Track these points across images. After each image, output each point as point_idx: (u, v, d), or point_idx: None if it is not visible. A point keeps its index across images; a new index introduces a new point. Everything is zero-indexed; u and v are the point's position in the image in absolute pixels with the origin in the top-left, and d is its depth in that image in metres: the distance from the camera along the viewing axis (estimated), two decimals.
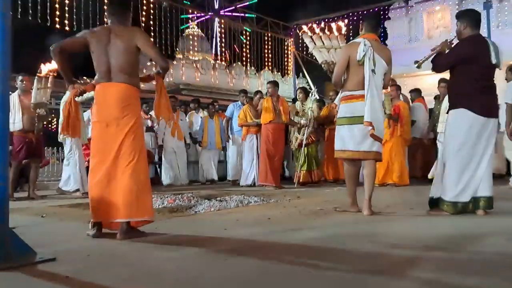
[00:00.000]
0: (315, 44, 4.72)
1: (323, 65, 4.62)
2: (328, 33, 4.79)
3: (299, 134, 7.93)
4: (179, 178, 8.92)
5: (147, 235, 3.26)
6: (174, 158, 8.88)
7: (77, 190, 6.95)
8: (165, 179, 8.89)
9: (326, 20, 17.75)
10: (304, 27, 4.89)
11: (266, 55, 20.05)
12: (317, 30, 4.79)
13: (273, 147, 7.59)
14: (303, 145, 7.80)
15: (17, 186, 7.06)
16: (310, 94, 7.96)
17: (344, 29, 4.74)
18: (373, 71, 3.99)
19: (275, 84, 7.98)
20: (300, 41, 18.35)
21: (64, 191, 7.06)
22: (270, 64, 21.37)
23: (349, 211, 4.20)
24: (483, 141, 3.82)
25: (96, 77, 3.36)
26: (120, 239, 3.14)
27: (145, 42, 3.28)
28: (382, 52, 4.12)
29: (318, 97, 8.77)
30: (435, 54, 4.05)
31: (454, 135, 3.87)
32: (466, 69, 3.84)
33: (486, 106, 3.84)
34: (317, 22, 17.91)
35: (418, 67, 4.10)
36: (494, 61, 3.83)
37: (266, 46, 19.55)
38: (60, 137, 7.00)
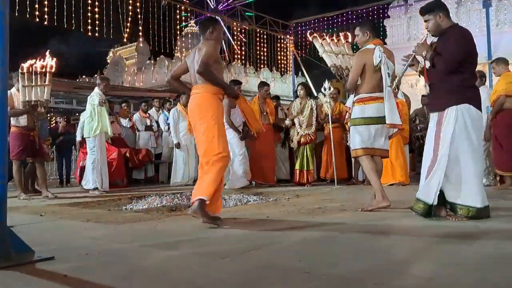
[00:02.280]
0: (325, 48, 4.90)
1: (332, 68, 4.81)
2: (336, 40, 5.02)
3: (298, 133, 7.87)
4: (189, 176, 8.56)
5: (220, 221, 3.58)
6: (186, 155, 8.55)
7: (96, 188, 7.01)
8: (174, 177, 8.58)
9: (325, 18, 17.82)
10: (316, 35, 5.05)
11: (265, 53, 20.03)
12: (327, 38, 4.98)
13: (262, 147, 7.74)
14: (299, 144, 7.79)
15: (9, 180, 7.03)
16: (323, 89, 7.85)
17: (350, 38, 4.95)
18: (388, 74, 4.21)
19: (268, 85, 8.25)
20: (300, 39, 18.37)
21: (86, 189, 7.24)
22: (269, 62, 21.36)
23: (380, 207, 4.17)
24: (481, 138, 3.86)
25: None
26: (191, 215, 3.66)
27: (204, 50, 3.70)
28: (388, 55, 4.34)
29: (317, 95, 8.72)
30: (432, 57, 3.72)
31: (471, 133, 3.55)
32: (467, 63, 3.65)
33: (479, 100, 3.72)
34: (315, 20, 17.93)
35: (398, 84, 4.27)
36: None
37: (265, 45, 19.53)
38: (86, 134, 7.18)
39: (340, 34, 5.07)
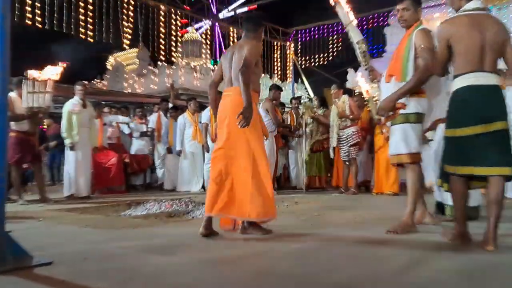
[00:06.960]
0: (350, 19, 3.74)
1: (358, 45, 3.76)
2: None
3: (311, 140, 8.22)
4: (198, 184, 8.36)
5: (268, 232, 3.45)
6: (192, 163, 8.36)
7: (72, 195, 6.95)
8: (181, 186, 8.42)
9: (325, 26, 17.89)
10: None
11: (265, 60, 20.09)
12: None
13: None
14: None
15: (10, 188, 6.99)
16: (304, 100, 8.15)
17: None
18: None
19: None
20: (300, 46, 18.41)
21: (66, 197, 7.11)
22: (269, 69, 21.43)
23: (406, 232, 3.39)
24: None
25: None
26: (242, 233, 3.51)
27: (246, 50, 3.41)
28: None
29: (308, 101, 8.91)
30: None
31: None
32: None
33: None
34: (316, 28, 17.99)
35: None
36: None
37: (265, 52, 19.61)
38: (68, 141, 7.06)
39: None
